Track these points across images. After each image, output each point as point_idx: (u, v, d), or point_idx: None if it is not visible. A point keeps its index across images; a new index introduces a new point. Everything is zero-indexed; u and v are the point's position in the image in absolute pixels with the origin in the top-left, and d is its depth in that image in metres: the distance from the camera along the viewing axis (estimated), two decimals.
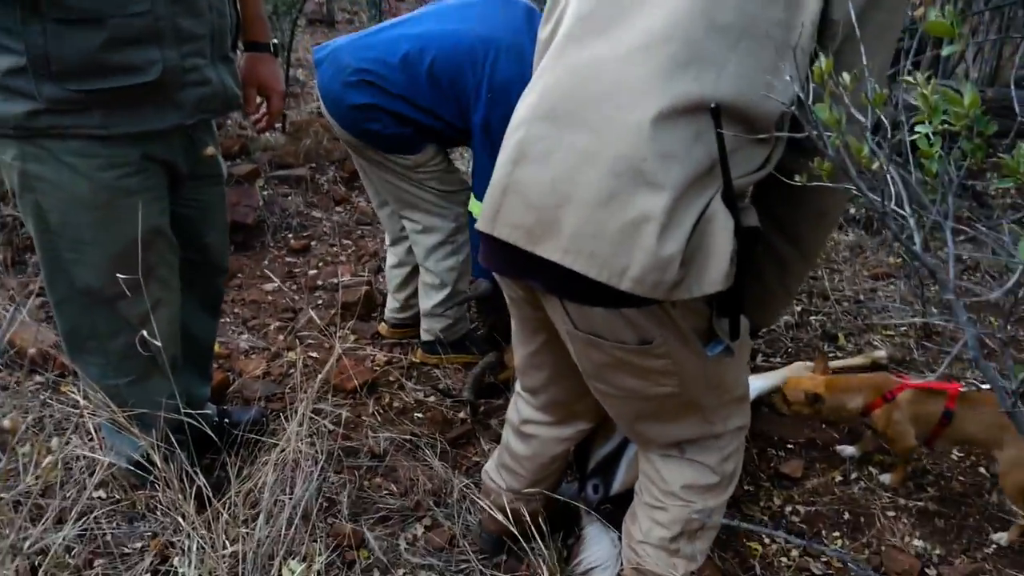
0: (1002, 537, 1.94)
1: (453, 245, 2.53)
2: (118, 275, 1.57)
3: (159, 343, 1.62)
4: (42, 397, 2.17)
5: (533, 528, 1.67)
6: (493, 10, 2.30)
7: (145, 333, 1.61)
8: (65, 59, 1.41)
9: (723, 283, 1.15)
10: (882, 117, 1.07)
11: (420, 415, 2.42)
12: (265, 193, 3.96)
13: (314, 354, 2.72)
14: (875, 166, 1.03)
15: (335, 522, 1.89)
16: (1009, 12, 4.43)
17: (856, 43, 1.08)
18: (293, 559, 1.57)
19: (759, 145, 1.17)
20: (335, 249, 3.66)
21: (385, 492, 2.06)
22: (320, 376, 1.91)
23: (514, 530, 1.68)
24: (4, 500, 1.56)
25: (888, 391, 2.00)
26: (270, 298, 3.13)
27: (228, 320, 2.94)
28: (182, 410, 1.68)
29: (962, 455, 2.26)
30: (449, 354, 2.69)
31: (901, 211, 1.08)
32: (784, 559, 1.89)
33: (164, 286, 1.72)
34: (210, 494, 1.61)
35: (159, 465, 1.59)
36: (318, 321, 2.83)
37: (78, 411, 1.67)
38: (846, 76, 1.01)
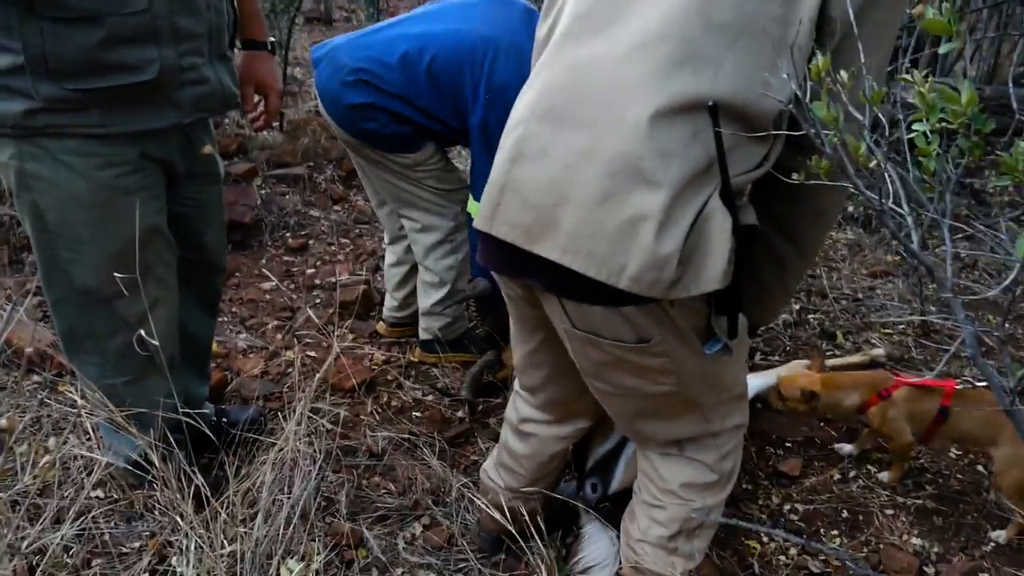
0: (1000, 535, 1.94)
1: (452, 244, 2.53)
2: (116, 274, 1.56)
3: (157, 342, 1.62)
4: (39, 397, 2.17)
5: (532, 527, 1.67)
6: (492, 10, 2.29)
7: (143, 332, 1.61)
8: (63, 58, 1.40)
9: (721, 281, 1.15)
10: (880, 115, 1.07)
11: (418, 414, 2.42)
12: (263, 192, 3.96)
13: (312, 353, 2.72)
14: (873, 164, 1.03)
15: (333, 521, 1.88)
16: (1007, 9, 4.43)
17: (854, 41, 1.08)
18: (291, 558, 1.57)
19: (757, 143, 1.17)
20: (333, 248, 3.66)
21: (383, 491, 2.06)
22: (318, 375, 1.91)
23: (512, 529, 1.69)
24: (2, 500, 1.56)
25: (884, 388, 2.00)
26: (268, 297, 3.13)
27: (226, 319, 2.93)
28: (180, 409, 1.68)
29: (960, 453, 2.26)
30: (447, 353, 2.69)
31: (899, 209, 1.08)
32: (782, 557, 1.90)
33: (162, 285, 1.72)
34: (208, 493, 1.61)
35: (157, 464, 1.59)
36: (316, 320, 2.83)
37: (76, 411, 1.67)
38: (844, 74, 1.01)
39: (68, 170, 1.50)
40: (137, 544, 1.76)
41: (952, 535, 1.97)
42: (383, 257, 2.90)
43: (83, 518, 1.66)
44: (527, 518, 1.71)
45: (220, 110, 1.74)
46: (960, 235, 2.52)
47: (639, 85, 1.12)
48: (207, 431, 1.71)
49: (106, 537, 1.72)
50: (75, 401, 1.65)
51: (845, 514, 2.04)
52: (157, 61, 1.49)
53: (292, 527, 1.63)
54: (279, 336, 2.84)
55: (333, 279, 3.27)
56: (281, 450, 1.71)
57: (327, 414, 1.95)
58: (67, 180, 1.51)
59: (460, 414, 2.41)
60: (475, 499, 1.88)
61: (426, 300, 2.61)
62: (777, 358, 2.74)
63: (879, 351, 2.70)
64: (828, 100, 1.03)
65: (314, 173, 4.33)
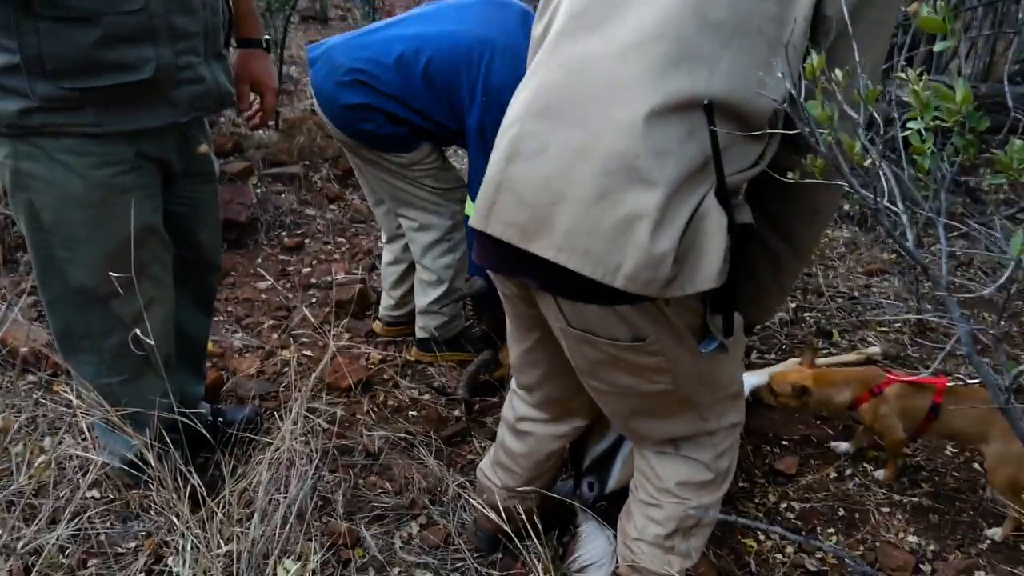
0: (996, 532, 1.95)
1: (450, 242, 2.53)
2: (112, 273, 1.56)
3: (152, 342, 1.61)
4: (35, 396, 2.16)
5: (528, 526, 1.67)
6: (488, 12, 2.29)
7: (139, 332, 1.61)
8: (59, 57, 1.40)
9: (717, 280, 1.15)
10: (874, 113, 1.07)
11: (415, 413, 2.42)
12: (258, 191, 3.95)
13: (308, 352, 2.72)
14: (868, 162, 1.03)
15: (330, 521, 1.88)
16: (1002, 7, 4.45)
17: (849, 40, 1.08)
18: (288, 558, 1.57)
19: (752, 142, 1.17)
20: (329, 247, 3.65)
21: (380, 491, 2.06)
22: (314, 374, 1.91)
23: (509, 528, 1.68)
24: None
25: (876, 385, 2.00)
26: (264, 296, 3.13)
27: (222, 318, 2.93)
28: (176, 409, 1.68)
29: (956, 451, 2.27)
30: (444, 352, 2.68)
31: (894, 207, 1.08)
32: (779, 555, 1.90)
33: (157, 284, 1.71)
34: (204, 493, 1.60)
35: (153, 464, 1.59)
36: (312, 319, 2.82)
37: (71, 410, 1.67)
38: (838, 72, 1.02)
39: (64, 169, 1.50)
40: (133, 544, 1.76)
41: (948, 533, 1.98)
42: (379, 256, 2.90)
43: (79, 518, 1.66)
44: (524, 517, 1.71)
45: (216, 109, 1.74)
46: (955, 233, 2.53)
47: (634, 84, 1.12)
48: (203, 431, 1.71)
49: (102, 537, 1.71)
50: (71, 401, 1.65)
51: (841, 512, 2.05)
52: (153, 60, 1.49)
53: (288, 527, 1.63)
54: (275, 335, 2.84)
55: (329, 278, 3.27)
56: (277, 450, 1.71)
57: (323, 413, 1.95)
58: (63, 179, 1.51)
59: (457, 413, 2.41)
60: (472, 498, 1.88)
61: (423, 299, 2.61)
62: (773, 356, 2.74)
63: (875, 349, 2.71)
64: (823, 99, 1.03)
65: (310, 172, 4.32)
